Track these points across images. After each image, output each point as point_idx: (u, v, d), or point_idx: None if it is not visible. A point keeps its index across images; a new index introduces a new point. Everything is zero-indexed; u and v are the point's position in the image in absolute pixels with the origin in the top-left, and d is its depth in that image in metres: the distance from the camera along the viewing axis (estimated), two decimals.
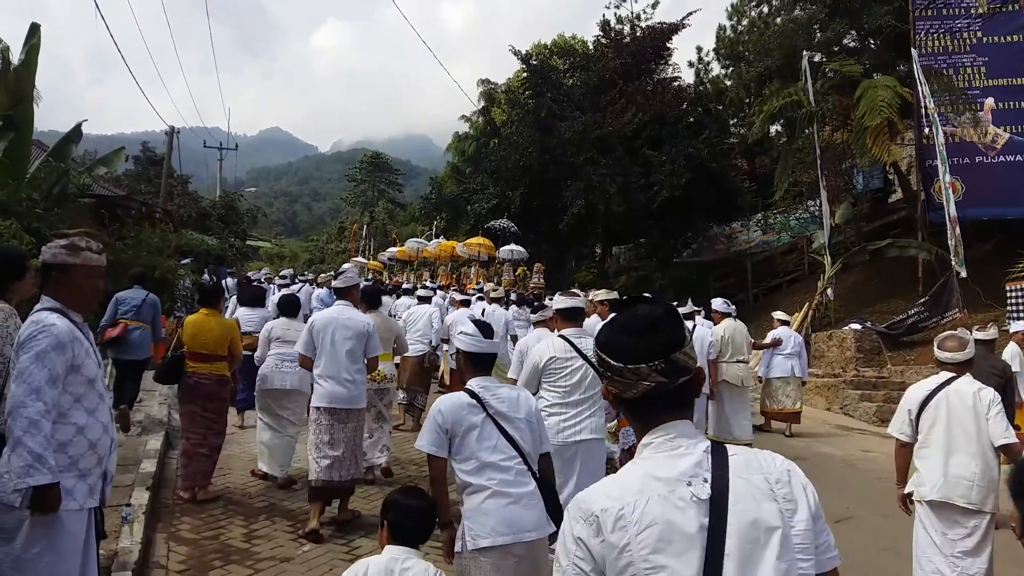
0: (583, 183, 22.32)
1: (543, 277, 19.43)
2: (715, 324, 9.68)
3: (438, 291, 15.66)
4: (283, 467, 7.08)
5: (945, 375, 4.69)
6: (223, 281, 17.89)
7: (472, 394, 3.52)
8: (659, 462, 1.61)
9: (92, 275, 3.31)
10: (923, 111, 14.97)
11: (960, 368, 4.68)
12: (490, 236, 22.58)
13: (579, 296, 6.53)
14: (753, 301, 22.38)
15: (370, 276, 28.48)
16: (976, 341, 6.03)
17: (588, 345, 5.07)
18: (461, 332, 3.70)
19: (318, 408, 5.95)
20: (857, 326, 14.81)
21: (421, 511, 3.05)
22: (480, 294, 13.84)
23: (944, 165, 13.72)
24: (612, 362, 1.67)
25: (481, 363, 3.67)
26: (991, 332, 7.18)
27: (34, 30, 13.56)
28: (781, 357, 10.91)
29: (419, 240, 28.81)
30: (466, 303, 11.89)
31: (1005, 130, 16.05)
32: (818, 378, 14.00)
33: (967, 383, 4.61)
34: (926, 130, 15.31)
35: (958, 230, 13.48)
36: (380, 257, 35.22)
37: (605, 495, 1.59)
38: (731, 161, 24.75)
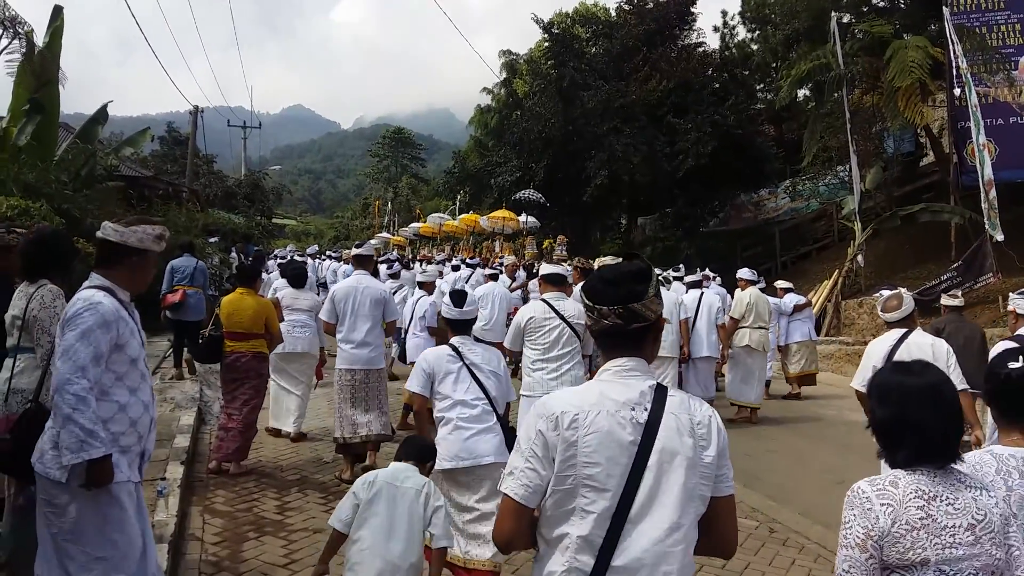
0: (607, 153, 22.10)
1: (566, 249, 19.35)
2: (742, 291, 9.82)
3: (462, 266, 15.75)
4: (295, 423, 7.69)
5: (898, 331, 5.09)
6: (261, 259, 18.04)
7: (453, 348, 4.39)
8: (613, 385, 2.03)
9: (156, 262, 3.51)
10: (955, 71, 14.61)
11: (905, 323, 5.14)
12: (516, 207, 22.47)
13: (563, 264, 7.87)
14: (782, 269, 22.12)
15: (394, 251, 28.56)
16: (946, 307, 7.27)
17: (566, 307, 5.64)
18: (444, 303, 4.59)
19: (341, 370, 6.55)
20: (888, 292, 14.61)
21: (422, 441, 3.92)
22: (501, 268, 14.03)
23: (978, 127, 13.39)
24: (586, 301, 2.11)
25: (459, 326, 4.52)
26: (959, 299, 7.72)
27: (57, 12, 13.62)
28: (799, 322, 11.19)
29: (441, 215, 28.81)
30: (494, 277, 12.07)
31: None
32: (848, 345, 13.85)
33: (921, 336, 5.10)
34: (958, 91, 14.94)
35: (993, 193, 13.19)
36: (403, 232, 35.29)
37: (566, 401, 2.02)
38: (758, 127, 24.34)
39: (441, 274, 13.56)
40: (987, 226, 13.32)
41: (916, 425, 2.02)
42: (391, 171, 64.71)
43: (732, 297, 10.25)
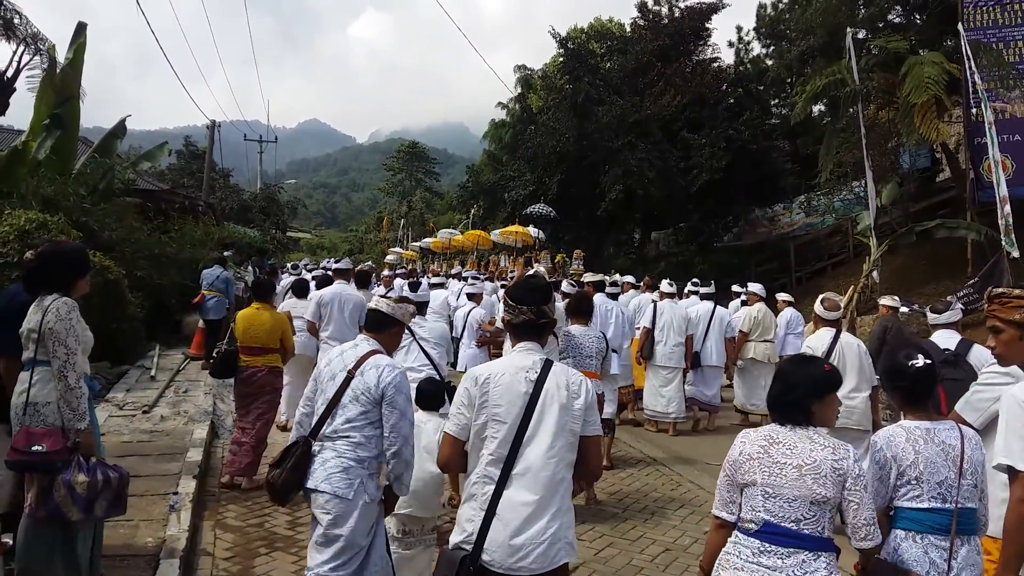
0: (621, 168, 22.12)
1: (583, 264, 19.31)
2: (750, 306, 10.53)
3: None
4: (285, 413, 8.09)
5: (831, 330, 6.18)
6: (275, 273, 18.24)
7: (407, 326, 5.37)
8: (518, 357, 3.02)
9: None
10: (971, 87, 14.53)
11: (836, 324, 6.27)
12: (527, 222, 22.49)
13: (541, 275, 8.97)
14: (796, 285, 21.98)
15: (407, 265, 28.65)
16: (886, 307, 8.46)
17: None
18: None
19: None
20: (904, 308, 14.49)
21: (434, 387, 4.86)
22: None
23: (993, 143, 13.30)
24: (511, 302, 3.13)
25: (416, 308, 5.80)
26: (897, 301, 8.74)
27: (81, 29, 13.79)
28: (793, 336, 11.17)
29: (451, 231, 28.93)
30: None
31: None
32: None
33: (848, 336, 6.31)
34: (974, 109, 14.85)
35: (1008, 209, 13.08)
36: (412, 246, 35.38)
37: (486, 368, 3.02)
38: (773, 143, 24.29)
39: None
40: (1004, 242, 13.20)
41: (784, 396, 2.82)
42: (405, 185, 64.92)
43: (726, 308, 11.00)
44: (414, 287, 6.48)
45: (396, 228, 48.69)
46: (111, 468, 3.86)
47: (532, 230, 21.09)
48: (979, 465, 2.91)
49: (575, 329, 6.46)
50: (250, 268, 17.73)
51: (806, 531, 2.65)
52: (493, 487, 2.84)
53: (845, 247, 22.52)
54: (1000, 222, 13.22)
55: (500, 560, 2.78)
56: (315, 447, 3.65)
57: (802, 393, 2.77)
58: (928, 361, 2.96)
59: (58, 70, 12.96)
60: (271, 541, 5.37)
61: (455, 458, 2.99)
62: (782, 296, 11.89)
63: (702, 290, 10.82)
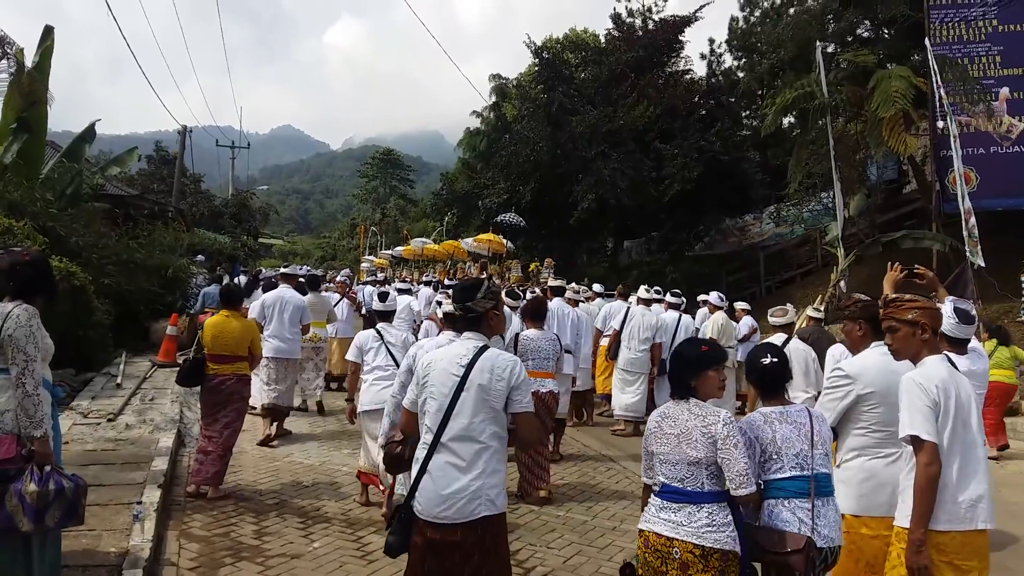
0: (594, 177, 22.23)
1: (553, 272, 19.36)
2: (711, 314, 10.86)
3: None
4: (257, 400, 8.59)
5: (782, 335, 6.84)
6: (236, 279, 18.12)
7: (378, 332, 6.40)
8: (458, 345, 3.53)
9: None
10: (937, 101, 14.82)
11: (787, 329, 6.95)
12: (498, 230, 22.54)
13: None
14: (766, 294, 22.23)
15: (378, 273, 28.59)
16: (810, 318, 8.79)
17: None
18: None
19: (267, 357, 8.37)
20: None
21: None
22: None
23: (958, 155, 13.57)
24: (452, 301, 3.88)
25: (383, 316, 6.55)
26: (821, 312, 9.09)
27: (48, 33, 13.63)
28: (749, 344, 11.43)
29: (424, 240, 28.97)
30: None
31: (1020, 120, 15.85)
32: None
33: (797, 341, 6.70)
34: (940, 122, 15.14)
35: (972, 220, 13.34)
36: (382, 254, 35.29)
37: (433, 355, 3.57)
38: (744, 154, 24.53)
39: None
40: (968, 253, 13.45)
41: (671, 373, 3.45)
42: (380, 192, 64.74)
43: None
44: (383, 297, 6.64)
45: (369, 235, 48.48)
46: (68, 477, 3.80)
47: (508, 243, 21.19)
48: (827, 437, 3.54)
49: (531, 333, 7.13)
50: (218, 274, 17.56)
51: (688, 488, 3.21)
52: (427, 451, 3.39)
53: (814, 257, 22.81)
54: (964, 233, 13.48)
55: (427, 509, 3.33)
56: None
57: (682, 370, 3.34)
58: (775, 359, 3.58)
59: (24, 74, 12.79)
60: (237, 551, 5.30)
61: (411, 424, 3.62)
62: (740, 305, 12.34)
63: (669, 299, 11.03)
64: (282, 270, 10.71)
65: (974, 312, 4.53)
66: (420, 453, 3.44)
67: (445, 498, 3.30)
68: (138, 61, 19.40)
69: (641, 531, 3.35)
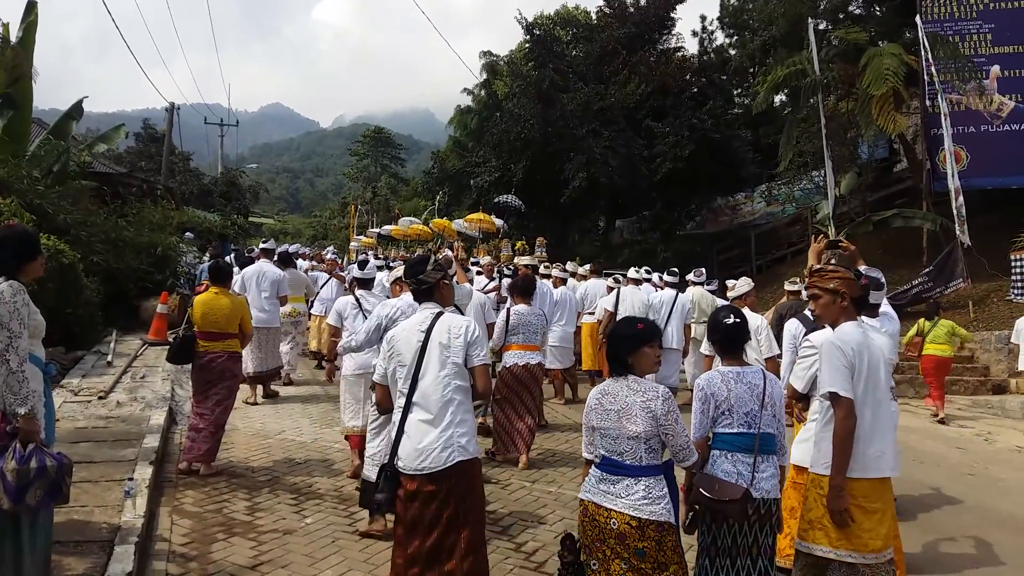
0: (585, 155, 22.16)
1: (545, 251, 19.33)
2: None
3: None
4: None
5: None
6: (228, 257, 18.04)
7: (356, 299, 6.53)
8: (418, 316, 3.96)
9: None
10: (928, 79, 14.81)
11: (742, 300, 7.39)
12: (496, 212, 22.45)
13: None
14: (757, 272, 22.27)
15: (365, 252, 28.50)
16: (788, 292, 9.03)
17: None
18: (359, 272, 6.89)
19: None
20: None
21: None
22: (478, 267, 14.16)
23: (948, 134, 13.59)
24: (403, 276, 4.81)
25: (363, 283, 6.72)
26: (799, 286, 9.03)
27: (31, 7, 13.49)
28: None
29: (411, 219, 28.84)
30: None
31: (1010, 98, 15.86)
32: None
33: (749, 312, 6.77)
34: (930, 100, 15.14)
35: (961, 199, 13.38)
36: (370, 232, 35.13)
37: (394, 330, 3.99)
38: (735, 132, 24.52)
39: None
40: (958, 232, 13.51)
41: (608, 351, 3.53)
42: (370, 171, 64.36)
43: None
44: (362, 265, 6.93)
45: (359, 215, 48.22)
46: (52, 456, 3.76)
47: (496, 220, 21.07)
48: (778, 399, 3.70)
49: (521, 308, 7.37)
50: (207, 254, 17.46)
51: (627, 462, 3.35)
52: (401, 412, 3.77)
53: (805, 236, 22.83)
54: (953, 211, 13.53)
55: (407, 464, 3.69)
56: None
57: (618, 347, 3.47)
58: (738, 320, 3.72)
59: (8, 48, 12.63)
60: (229, 527, 5.32)
61: (386, 398, 3.97)
62: (732, 283, 12.41)
63: (666, 278, 11.10)
64: (262, 245, 11.42)
65: (883, 280, 4.93)
66: (396, 416, 3.81)
67: (421, 451, 3.66)
68: (124, 38, 19.17)
69: (581, 500, 3.48)
